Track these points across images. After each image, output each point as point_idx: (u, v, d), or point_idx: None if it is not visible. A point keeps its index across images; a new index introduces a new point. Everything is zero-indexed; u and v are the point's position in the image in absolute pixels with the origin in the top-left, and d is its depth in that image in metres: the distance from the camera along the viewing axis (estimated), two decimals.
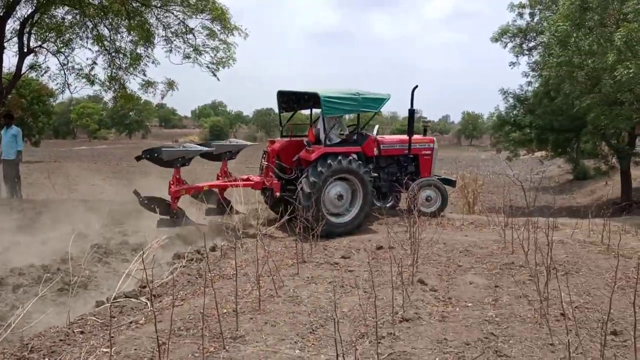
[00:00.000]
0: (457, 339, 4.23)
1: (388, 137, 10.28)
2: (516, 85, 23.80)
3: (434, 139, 10.42)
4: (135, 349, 3.97)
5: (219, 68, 13.89)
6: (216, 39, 13.64)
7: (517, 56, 21.89)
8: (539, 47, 20.49)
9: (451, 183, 10.43)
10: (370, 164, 9.26)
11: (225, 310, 4.75)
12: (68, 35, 13.47)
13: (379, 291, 5.20)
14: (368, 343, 3.96)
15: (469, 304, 5.09)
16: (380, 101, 9.16)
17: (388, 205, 9.68)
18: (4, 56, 12.81)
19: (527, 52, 21.91)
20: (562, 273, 5.91)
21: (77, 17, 13.22)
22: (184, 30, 13.46)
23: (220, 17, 13.04)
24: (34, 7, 12.69)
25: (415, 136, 10.12)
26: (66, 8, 13.05)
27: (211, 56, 13.82)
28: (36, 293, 5.20)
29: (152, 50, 13.78)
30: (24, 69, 13.55)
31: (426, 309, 4.92)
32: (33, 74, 14.27)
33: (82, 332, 4.36)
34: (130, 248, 7.59)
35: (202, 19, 13.27)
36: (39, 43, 13.66)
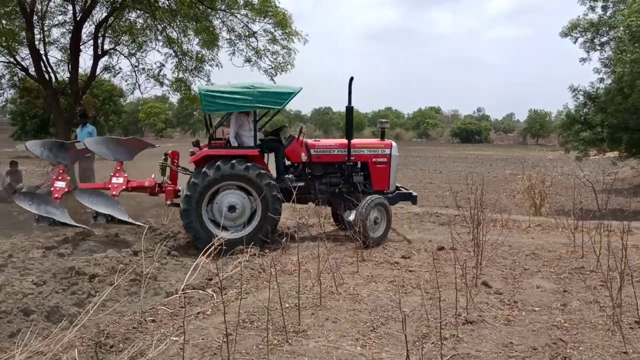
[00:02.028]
0: (524, 343, 4.11)
1: (323, 141, 8.69)
2: (587, 82, 22.65)
3: (393, 143, 8.61)
4: (203, 339, 4.13)
5: (277, 73, 14.12)
6: (277, 44, 13.89)
7: (588, 52, 20.84)
8: (612, 42, 19.45)
9: (412, 199, 8.58)
10: (295, 172, 8.29)
11: (287, 305, 4.84)
12: (140, 38, 14.13)
13: (441, 293, 5.12)
14: (431, 344, 3.93)
15: (536, 309, 4.95)
16: (284, 95, 7.74)
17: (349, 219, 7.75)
18: (80, 58, 13.61)
19: (599, 48, 20.84)
20: (637, 279, 5.62)
21: (148, 20, 13.86)
22: (247, 33, 13.79)
23: (282, 22, 13.25)
24: (108, 11, 13.38)
25: (363, 140, 8.87)
26: (138, 12, 13.71)
27: (271, 60, 14.08)
28: (111, 282, 5.51)
29: (216, 53, 14.21)
30: (98, 71, 14.33)
31: (490, 312, 4.82)
32: (106, 75, 15.07)
33: (153, 321, 4.58)
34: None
35: (265, 23, 13.53)
36: (113, 46, 14.42)
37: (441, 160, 28.95)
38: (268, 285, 5.39)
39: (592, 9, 20.56)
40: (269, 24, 13.49)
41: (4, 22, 10.96)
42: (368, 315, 4.72)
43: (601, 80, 21.68)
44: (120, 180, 8.13)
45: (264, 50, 13.88)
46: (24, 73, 13.80)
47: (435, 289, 5.32)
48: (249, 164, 7.46)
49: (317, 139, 8.82)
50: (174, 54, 14.21)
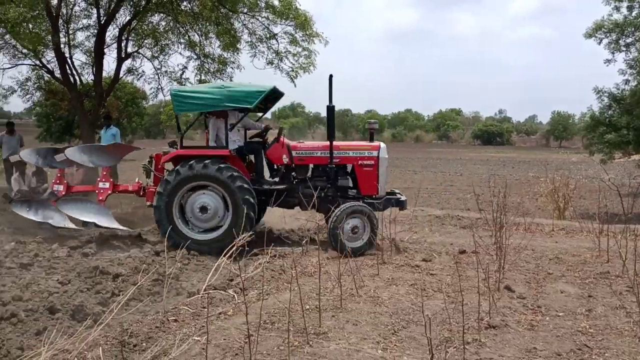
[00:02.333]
0: (548, 349, 4.05)
1: (307, 143, 8.44)
2: (611, 83, 22.21)
3: (381, 145, 8.07)
4: (225, 339, 4.15)
5: (298, 74, 14.12)
6: (298, 45, 13.90)
7: (613, 53, 20.45)
8: (638, 43, 19.07)
9: (400, 204, 7.97)
10: (278, 174, 8.11)
11: (308, 307, 4.84)
12: (162, 41, 14.32)
13: (464, 296, 5.08)
14: (453, 348, 3.89)
15: (560, 314, 4.87)
16: (254, 95, 7.52)
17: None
18: (104, 61, 13.85)
19: (624, 49, 20.43)
20: None
21: (171, 23, 14.03)
22: (268, 35, 13.85)
23: (303, 23, 13.27)
24: (132, 15, 13.58)
25: (348, 142, 8.52)
26: (161, 15, 13.90)
27: (292, 62, 14.11)
28: (134, 282, 5.59)
29: (237, 55, 14.31)
30: (121, 73, 14.55)
31: (514, 317, 4.76)
32: (130, 78, 15.30)
33: (175, 321, 4.62)
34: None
35: (286, 25, 13.58)
36: (136, 49, 14.63)
37: (462, 163, 28.71)
38: (288, 287, 5.41)
39: (617, 9, 20.16)
40: (289, 26, 13.54)
41: (30, 25, 11.19)
42: (389, 319, 4.70)
43: (626, 82, 21.25)
44: (107, 185, 8.33)
45: (285, 52, 13.92)
46: (49, 76, 14.10)
47: (457, 292, 5.27)
48: (222, 165, 7.39)
49: (301, 141, 8.57)
50: (195, 57, 14.36)
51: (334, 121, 7.91)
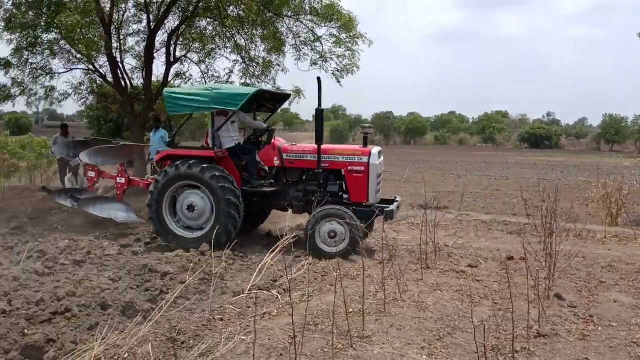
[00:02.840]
0: (601, 359, 3.91)
1: (299, 146, 8.23)
2: None
3: (373, 150, 7.67)
4: (269, 339, 4.20)
5: (343, 75, 14.15)
6: (342, 46, 13.92)
7: None
8: None
9: (384, 213, 7.39)
10: (270, 176, 8.14)
11: (351, 310, 4.83)
12: (209, 45, 14.61)
13: (512, 304, 4.97)
14: (501, 356, 3.80)
15: (614, 324, 4.69)
16: (239, 97, 7.55)
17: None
18: (153, 65, 14.24)
19: None
20: None
21: (217, 28, 14.31)
22: (312, 38, 13.93)
23: (348, 25, 13.28)
24: (180, 20, 13.93)
25: (339, 146, 8.31)
26: (208, 20, 14.19)
27: (336, 63, 14.13)
28: (181, 281, 5.73)
29: (282, 58, 14.44)
30: (170, 77, 14.92)
31: (564, 326, 4.61)
32: (178, 82, 15.65)
33: (221, 319, 4.71)
34: (266, 243, 8.03)
35: (330, 27, 13.62)
36: (184, 53, 14.98)
37: (508, 166, 27.98)
38: (331, 289, 5.42)
39: None
40: (334, 27, 13.57)
41: (84, 31, 11.63)
42: (434, 324, 4.63)
43: None
44: (123, 180, 8.88)
45: (329, 53, 13.96)
46: (102, 80, 14.61)
47: (504, 299, 5.16)
48: (204, 166, 7.51)
49: (294, 143, 8.43)
50: (241, 61, 14.58)
51: (323, 124, 7.75)
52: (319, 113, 7.58)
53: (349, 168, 7.62)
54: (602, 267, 6.67)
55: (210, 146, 7.97)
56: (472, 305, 4.78)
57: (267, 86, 14.64)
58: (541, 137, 58.99)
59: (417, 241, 7.11)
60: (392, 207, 7.62)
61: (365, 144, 7.88)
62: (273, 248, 4.78)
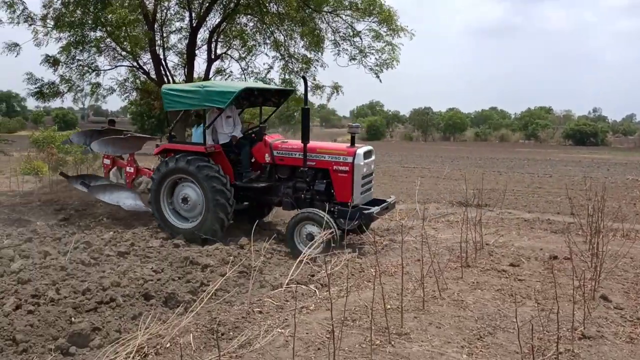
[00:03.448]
0: None
1: (290, 143, 8.24)
2: None
3: (358, 151, 7.49)
4: (307, 333, 4.22)
5: (382, 70, 14.02)
6: (382, 40, 13.77)
7: None
8: None
9: (363, 216, 7.26)
10: (262, 172, 8.26)
11: (389, 306, 4.80)
12: (250, 42, 14.75)
13: (555, 304, 4.84)
14: (545, 357, 3.71)
15: None
16: (227, 95, 7.69)
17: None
18: (195, 62, 14.48)
19: None
20: None
21: (257, 24, 14.43)
22: (351, 33, 13.85)
23: (387, 19, 13.14)
24: (221, 17, 14.11)
25: (327, 144, 8.18)
26: (249, 16, 14.32)
27: (376, 58, 14.00)
28: (221, 273, 5.82)
29: (321, 54, 14.43)
30: (211, 74, 15.14)
31: (610, 328, 4.46)
32: (219, 78, 15.85)
33: (260, 312, 4.76)
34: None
35: (370, 22, 13.51)
36: (225, 50, 15.17)
37: (552, 164, 27.17)
38: (369, 285, 5.40)
39: None
40: (373, 22, 13.46)
41: (129, 29, 11.93)
42: (474, 323, 4.56)
43: None
44: (131, 169, 9.35)
45: (368, 48, 13.85)
46: (145, 77, 14.96)
47: (547, 299, 5.03)
48: (189, 158, 7.83)
49: (286, 140, 8.46)
50: (280, 57, 14.65)
51: (309, 123, 7.84)
52: (305, 112, 7.69)
53: (334, 168, 7.60)
54: None
55: (207, 141, 8.18)
56: (515, 305, 4.67)
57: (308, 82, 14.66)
58: (586, 133, 57.03)
59: (456, 239, 7.01)
60: (372, 209, 7.46)
61: (352, 144, 7.73)
62: (311, 243, 4.80)
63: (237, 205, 8.18)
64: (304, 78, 7.82)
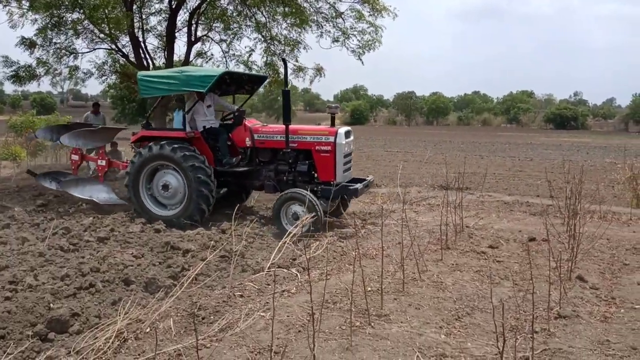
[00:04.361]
0: (622, 342, 3.86)
1: (270, 126, 8.41)
2: None
3: (339, 130, 7.74)
4: (288, 316, 4.24)
5: (364, 52, 13.96)
6: (364, 21, 13.68)
7: None
8: None
9: (348, 192, 7.62)
10: (243, 157, 8.29)
11: (369, 289, 4.84)
12: (232, 25, 14.55)
13: (533, 285, 4.93)
14: (520, 337, 3.78)
15: (636, 306, 4.62)
16: (207, 79, 7.69)
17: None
18: (175, 45, 14.29)
19: None
20: None
21: (238, 7, 14.23)
22: (334, 14, 13.75)
23: None
24: None
25: (306, 126, 8.34)
26: None
27: (358, 40, 13.92)
28: (202, 258, 5.80)
29: (304, 35, 14.30)
30: (191, 57, 14.96)
31: (586, 308, 4.55)
32: (199, 61, 15.68)
33: (241, 296, 4.77)
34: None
35: (352, 2, 13.41)
36: (205, 32, 14.97)
37: (532, 147, 27.50)
38: (350, 268, 5.44)
39: None
40: (356, 2, 13.35)
41: (107, 11, 11.68)
42: (453, 304, 4.62)
43: None
44: (103, 163, 9.21)
45: (351, 29, 13.75)
46: (124, 59, 14.72)
47: (525, 280, 5.12)
48: (175, 146, 7.73)
49: (265, 124, 8.59)
50: (262, 39, 14.50)
51: (290, 105, 7.88)
52: (286, 94, 7.69)
53: (317, 148, 7.74)
54: (626, 249, 6.54)
55: (186, 128, 8.16)
56: (491, 286, 4.74)
57: (289, 64, 14.56)
58: (567, 117, 57.73)
59: (437, 222, 7.06)
60: (356, 186, 7.74)
61: (332, 124, 8.00)
62: (293, 227, 4.81)
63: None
64: (283, 60, 7.86)
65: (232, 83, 9.12)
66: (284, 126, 7.90)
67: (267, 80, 10.19)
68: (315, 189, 7.65)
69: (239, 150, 8.38)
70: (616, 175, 11.79)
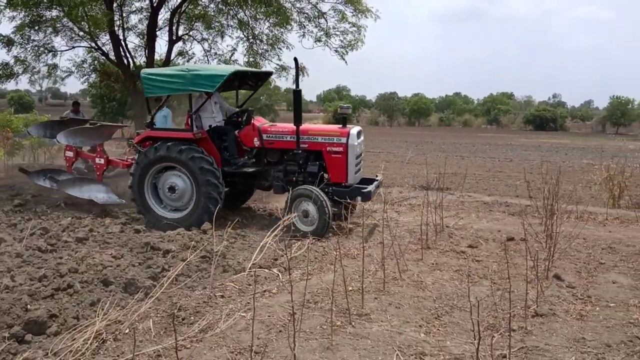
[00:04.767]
0: (597, 339, 3.94)
1: (278, 126, 8.21)
2: None
3: (351, 131, 7.65)
4: (269, 316, 4.25)
5: (347, 51, 14.00)
6: (346, 22, 13.73)
7: None
8: None
9: (361, 194, 7.41)
10: (251, 157, 8.13)
11: (350, 288, 4.87)
12: (214, 24, 14.47)
13: (511, 284, 5.00)
14: (498, 335, 3.84)
15: (611, 304, 4.72)
16: (216, 78, 7.41)
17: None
18: (156, 44, 14.16)
19: None
20: None
21: (220, 5, 14.16)
22: (316, 14, 13.76)
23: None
24: None
25: (318, 126, 8.28)
26: None
27: (341, 40, 13.96)
28: (183, 258, 5.77)
29: (287, 34, 14.28)
30: (172, 55, 14.84)
31: (562, 306, 4.64)
32: (181, 60, 15.56)
33: (222, 296, 4.75)
34: (267, 222, 8.09)
35: (335, 2, 13.44)
36: (187, 31, 14.87)
37: (512, 148, 27.84)
38: (331, 268, 5.46)
39: None
40: (338, 3, 13.38)
41: (86, 9, 11.52)
42: (432, 303, 4.67)
43: None
44: (102, 161, 8.95)
45: (333, 29, 13.78)
46: (104, 58, 14.54)
47: (503, 279, 5.19)
48: (183, 147, 7.51)
49: (274, 124, 8.43)
50: (245, 38, 14.45)
51: (301, 105, 7.73)
52: (297, 94, 7.55)
53: (328, 149, 7.62)
54: (602, 248, 6.68)
55: (192, 127, 7.95)
56: (470, 285, 4.80)
57: (272, 63, 14.53)
58: (546, 119, 58.53)
59: (417, 222, 7.13)
60: (369, 188, 7.58)
61: (343, 125, 7.85)
62: (274, 227, 4.81)
63: None
64: (295, 59, 7.53)
65: (235, 79, 8.80)
66: (293, 126, 7.74)
67: (271, 75, 9.91)
68: (326, 190, 7.47)
69: (245, 149, 8.22)
70: (593, 176, 11.99)
